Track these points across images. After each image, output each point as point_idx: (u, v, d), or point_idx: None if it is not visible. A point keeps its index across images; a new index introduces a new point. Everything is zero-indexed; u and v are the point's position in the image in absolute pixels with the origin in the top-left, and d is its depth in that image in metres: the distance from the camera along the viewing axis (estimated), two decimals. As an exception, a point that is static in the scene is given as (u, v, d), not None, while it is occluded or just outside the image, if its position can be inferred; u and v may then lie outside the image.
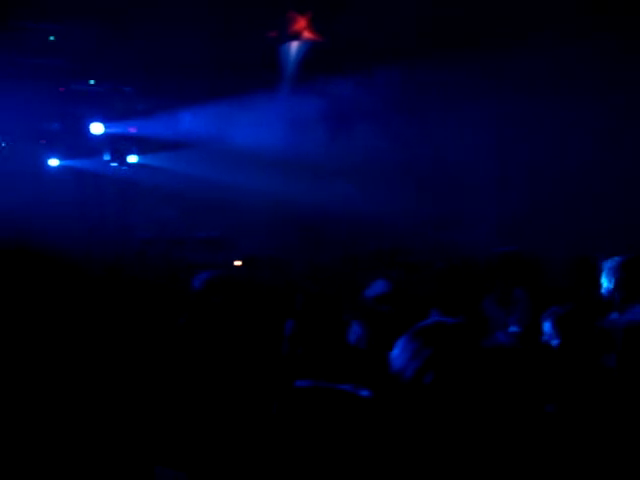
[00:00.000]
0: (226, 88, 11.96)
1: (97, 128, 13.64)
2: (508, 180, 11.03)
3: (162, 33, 10.53)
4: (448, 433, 2.40)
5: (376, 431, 2.43)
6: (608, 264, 5.07)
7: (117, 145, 14.40)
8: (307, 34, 10.67)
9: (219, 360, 4.80)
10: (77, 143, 14.65)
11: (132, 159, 14.63)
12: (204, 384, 4.46)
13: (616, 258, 5.07)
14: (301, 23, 10.58)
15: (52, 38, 11.39)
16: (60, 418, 4.15)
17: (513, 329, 5.55)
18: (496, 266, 6.40)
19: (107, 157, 14.56)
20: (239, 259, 10.43)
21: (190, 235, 12.82)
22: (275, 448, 2.58)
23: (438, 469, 2.39)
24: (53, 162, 15.32)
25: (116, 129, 13.94)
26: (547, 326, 4.26)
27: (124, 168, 14.61)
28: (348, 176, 11.99)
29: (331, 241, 11.95)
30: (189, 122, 13.14)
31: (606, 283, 5.04)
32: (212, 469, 3.62)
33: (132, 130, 14.09)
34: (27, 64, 11.98)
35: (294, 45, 10.94)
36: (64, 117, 14.23)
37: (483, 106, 10.80)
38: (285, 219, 12.69)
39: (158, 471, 3.70)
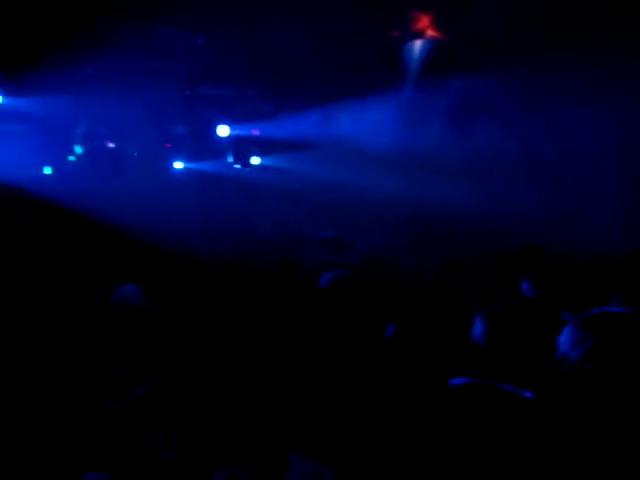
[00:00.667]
0: (349, 88, 12.02)
1: (223, 131, 13.90)
2: (635, 179, 10.71)
3: (286, 35, 10.67)
4: (607, 425, 2.33)
5: (539, 434, 2.35)
6: None
7: (241, 147, 14.66)
8: (430, 32, 10.62)
9: (346, 358, 4.82)
10: (201, 146, 15.01)
11: (255, 161, 14.86)
12: (330, 381, 4.48)
13: None
14: (424, 21, 10.54)
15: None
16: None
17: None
18: (625, 264, 6.23)
19: (230, 159, 14.86)
20: (358, 259, 10.43)
21: (310, 235, 12.92)
22: (429, 447, 2.52)
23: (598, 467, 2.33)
24: (178, 165, 15.75)
25: (240, 131, 14.18)
26: None
27: (247, 170, 14.87)
28: (470, 175, 11.86)
29: (452, 241, 11.83)
30: (312, 123, 13.25)
31: None
32: (358, 469, 3.63)
33: (255, 132, 14.32)
34: (155, 69, 12.35)
35: (417, 44, 10.90)
36: (190, 121, 14.61)
37: (610, 105, 10.51)
38: (406, 219, 12.63)
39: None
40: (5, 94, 11.71)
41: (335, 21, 10.37)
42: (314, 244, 12.32)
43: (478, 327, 4.77)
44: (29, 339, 6.45)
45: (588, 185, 11.10)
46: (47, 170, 14.92)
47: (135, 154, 15.19)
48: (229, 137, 14.20)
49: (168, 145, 15.61)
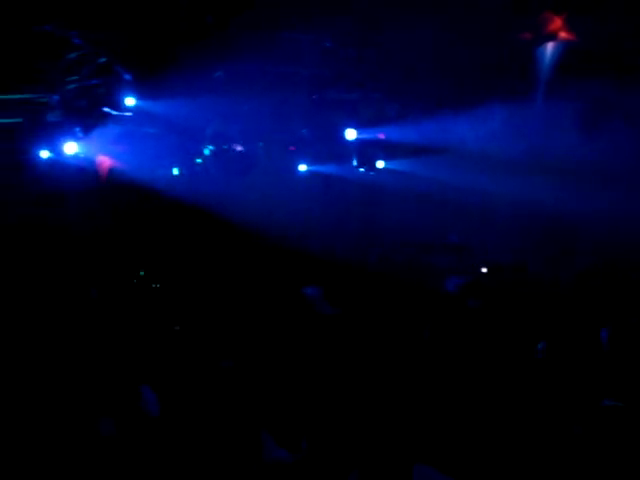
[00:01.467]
0: (477, 91, 11.83)
1: (351, 134, 13.90)
2: None
3: (413, 38, 10.58)
4: None
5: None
6: None
7: (365, 151, 14.64)
8: (563, 34, 10.32)
9: (475, 360, 4.73)
10: (326, 149, 15.08)
11: (380, 164, 14.81)
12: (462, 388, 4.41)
13: None
14: (557, 23, 10.26)
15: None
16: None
17: None
18: None
19: (355, 162, 14.86)
20: (484, 266, 10.28)
21: (434, 240, 12.81)
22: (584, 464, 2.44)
23: None
24: (302, 167, 15.88)
25: (365, 135, 14.16)
26: None
27: (371, 173, 14.84)
28: (605, 182, 11.48)
29: (580, 250, 11.48)
30: (438, 127, 13.11)
31: None
32: None
33: (381, 136, 14.26)
34: (283, 73, 12.46)
35: (549, 46, 10.61)
36: (315, 124, 14.68)
37: None
38: (532, 226, 12.34)
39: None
40: (139, 97, 12.03)
41: (464, 23, 10.22)
42: (439, 249, 12.25)
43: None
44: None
45: None
46: (176, 171, 15.34)
47: (263, 157, 15.40)
48: (355, 140, 14.20)
49: (292, 148, 15.75)
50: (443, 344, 5.19)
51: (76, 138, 12.62)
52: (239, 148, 15.09)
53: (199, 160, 15.40)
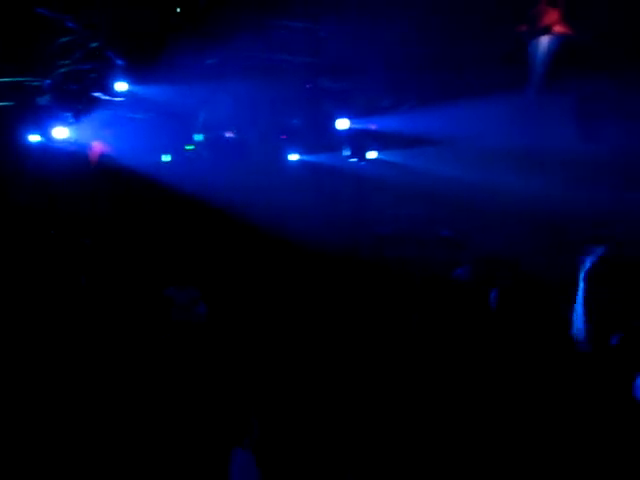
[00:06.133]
0: (470, 84, 11.80)
1: (343, 124, 13.83)
2: None
3: (407, 30, 10.55)
4: None
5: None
6: None
7: (357, 141, 14.58)
8: (559, 28, 10.29)
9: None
10: (318, 139, 15.01)
11: (371, 155, 14.75)
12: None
13: None
14: (553, 16, 10.23)
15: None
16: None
17: None
18: None
19: (347, 152, 14.80)
20: (475, 259, 10.27)
21: (425, 232, 12.78)
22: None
23: None
24: (293, 157, 15.80)
25: (357, 125, 14.09)
26: None
27: (363, 164, 14.79)
28: (600, 178, 11.48)
29: (573, 245, 11.45)
30: (431, 119, 13.07)
31: None
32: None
33: (373, 126, 14.21)
34: (276, 61, 12.40)
35: (544, 40, 10.58)
36: (307, 113, 14.62)
37: None
38: (525, 220, 12.34)
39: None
40: (130, 82, 11.95)
41: (459, 13, 10.19)
42: (432, 242, 12.21)
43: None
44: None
45: None
46: (166, 157, 15.22)
47: (254, 145, 15.34)
48: (346, 130, 14.14)
49: (283, 137, 15.68)
50: (432, 333, 5.18)
51: (67, 123, 12.52)
52: (231, 135, 15.03)
53: (191, 147, 15.32)
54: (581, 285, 5.19)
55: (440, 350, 4.84)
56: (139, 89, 12.30)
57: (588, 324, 4.65)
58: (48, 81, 11.70)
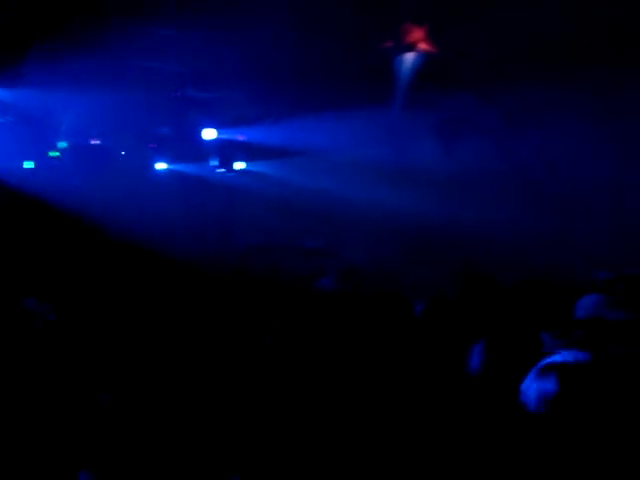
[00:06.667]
0: (338, 97, 11.97)
1: (209, 134, 13.80)
2: (623, 199, 10.74)
3: (275, 42, 10.62)
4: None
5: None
6: None
7: (225, 151, 14.56)
8: (423, 46, 10.60)
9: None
10: (186, 148, 14.91)
11: (239, 166, 14.77)
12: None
13: None
14: (417, 34, 10.52)
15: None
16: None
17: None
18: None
19: (214, 163, 14.76)
20: (340, 269, 10.38)
21: (292, 243, 12.87)
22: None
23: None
24: (160, 165, 15.64)
25: (225, 135, 14.09)
26: None
27: (231, 174, 14.78)
28: (457, 189, 11.87)
29: (440, 255, 11.79)
30: (299, 131, 13.19)
31: None
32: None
33: (241, 137, 14.23)
34: (144, 68, 12.24)
35: (409, 57, 10.87)
36: (175, 122, 14.50)
37: (597, 122, 10.58)
38: (390, 231, 12.61)
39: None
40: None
41: (326, 28, 10.33)
42: (299, 252, 12.30)
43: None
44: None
45: (575, 201, 11.12)
46: (28, 164, 14.74)
47: (121, 153, 15.09)
48: (214, 141, 14.10)
49: (152, 145, 15.50)
50: (290, 341, 5.22)
51: None
52: (96, 143, 14.73)
53: (55, 153, 14.90)
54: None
55: (297, 357, 4.87)
56: (1, 92, 11.94)
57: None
58: None
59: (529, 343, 5.02)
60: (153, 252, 11.13)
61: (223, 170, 14.80)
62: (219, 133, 14.00)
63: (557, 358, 4.32)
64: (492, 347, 5.05)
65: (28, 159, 14.68)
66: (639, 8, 8.72)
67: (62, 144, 14.62)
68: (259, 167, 14.75)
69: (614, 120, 10.51)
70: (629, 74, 9.56)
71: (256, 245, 12.94)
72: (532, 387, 3.89)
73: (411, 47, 10.70)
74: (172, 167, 15.65)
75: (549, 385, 3.66)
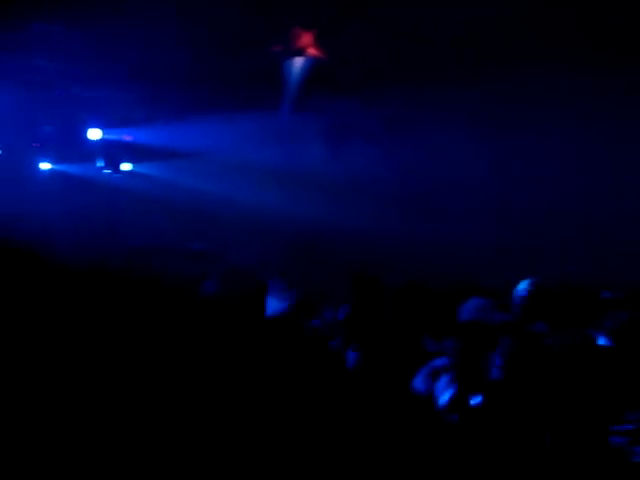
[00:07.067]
0: (227, 100, 11.92)
1: (94, 134, 13.53)
2: (506, 203, 11.01)
3: (164, 43, 10.49)
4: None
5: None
6: None
7: (111, 152, 14.30)
8: (311, 51, 10.64)
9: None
10: (71, 148, 14.54)
11: (126, 167, 14.53)
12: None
13: None
14: (306, 39, 10.56)
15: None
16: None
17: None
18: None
19: (100, 163, 14.47)
20: (223, 271, 10.30)
21: (178, 245, 12.75)
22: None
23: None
24: (45, 166, 15.22)
25: (111, 136, 13.85)
26: None
27: (117, 175, 14.53)
28: (344, 193, 11.99)
29: (326, 257, 11.86)
30: (186, 133, 13.08)
31: None
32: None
33: (127, 138, 14.00)
34: (25, 65, 11.89)
35: (297, 61, 10.90)
36: (60, 121, 14.12)
37: (480, 127, 10.84)
38: (278, 234, 12.63)
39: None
40: None
41: (215, 30, 10.25)
42: (185, 255, 12.18)
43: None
44: None
45: (459, 208, 11.33)
46: None
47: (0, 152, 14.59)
48: (100, 141, 13.83)
49: (36, 144, 15.05)
50: (169, 343, 5.15)
51: None
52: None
53: None
54: None
55: (173, 361, 4.80)
56: None
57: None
58: None
59: (411, 344, 5.09)
60: (32, 254, 10.80)
61: (109, 171, 14.52)
62: (106, 133, 13.74)
63: (443, 361, 4.44)
64: (372, 347, 5.09)
65: None
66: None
67: None
68: (146, 168, 14.55)
69: (495, 122, 10.81)
70: (516, 73, 9.82)
71: (142, 247, 12.74)
72: (423, 387, 4.00)
73: (300, 52, 10.73)
74: (56, 167, 15.24)
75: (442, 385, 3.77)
